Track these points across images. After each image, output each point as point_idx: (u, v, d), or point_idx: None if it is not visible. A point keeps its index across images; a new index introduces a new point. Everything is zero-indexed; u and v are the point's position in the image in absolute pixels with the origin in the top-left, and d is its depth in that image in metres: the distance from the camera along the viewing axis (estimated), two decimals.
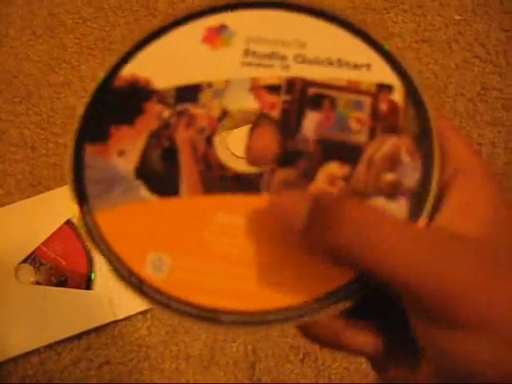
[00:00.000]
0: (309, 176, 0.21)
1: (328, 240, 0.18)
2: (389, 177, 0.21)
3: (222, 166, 0.22)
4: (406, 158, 0.21)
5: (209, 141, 0.22)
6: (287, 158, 0.21)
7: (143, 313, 0.55)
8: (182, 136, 0.22)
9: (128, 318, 0.55)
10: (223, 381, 0.54)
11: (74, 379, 0.53)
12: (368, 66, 0.22)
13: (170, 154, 0.22)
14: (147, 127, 0.22)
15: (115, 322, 0.54)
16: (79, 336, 0.54)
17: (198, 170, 0.22)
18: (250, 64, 0.23)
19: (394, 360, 0.20)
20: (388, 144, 0.21)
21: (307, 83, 0.22)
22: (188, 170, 0.22)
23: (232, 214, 0.21)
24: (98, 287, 0.54)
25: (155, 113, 0.23)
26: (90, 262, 0.55)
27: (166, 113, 0.23)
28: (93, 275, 0.55)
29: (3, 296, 0.54)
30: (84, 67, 0.63)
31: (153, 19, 0.65)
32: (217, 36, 0.23)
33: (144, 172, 0.22)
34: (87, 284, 0.55)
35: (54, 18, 0.65)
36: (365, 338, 0.21)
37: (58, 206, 0.56)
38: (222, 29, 0.23)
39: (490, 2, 0.65)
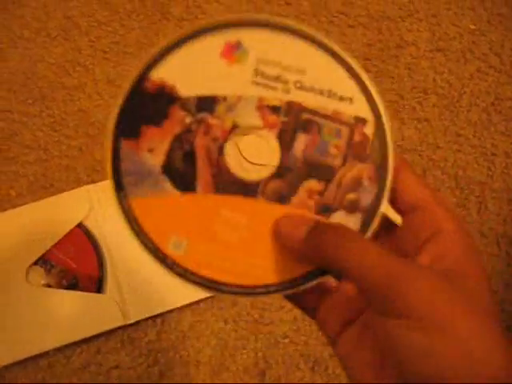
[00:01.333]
0: (293, 188, 0.27)
1: (320, 251, 0.24)
2: (351, 196, 0.26)
3: (229, 172, 0.27)
4: (366, 182, 0.26)
5: (221, 149, 0.27)
6: (279, 171, 0.27)
7: (153, 318, 0.55)
8: (200, 142, 0.27)
9: (138, 323, 0.54)
10: None
11: (83, 383, 0.53)
12: (350, 100, 0.26)
13: (190, 157, 0.27)
14: (172, 130, 0.26)
15: (125, 327, 0.54)
16: (89, 340, 0.54)
17: (210, 173, 0.27)
18: (258, 84, 0.26)
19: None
20: (355, 169, 0.26)
21: (302, 108, 0.27)
22: (203, 173, 0.27)
23: (233, 211, 0.27)
24: (109, 291, 0.54)
25: (179, 118, 0.26)
26: (101, 265, 0.55)
27: (188, 119, 0.26)
28: (104, 279, 0.54)
29: (13, 298, 0.54)
30: (98, 70, 0.63)
31: (167, 23, 0.65)
32: (233, 52, 0.26)
33: (168, 169, 0.26)
34: (98, 287, 0.54)
35: (69, 20, 0.65)
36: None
37: (69, 209, 0.56)
38: (237, 46, 0.26)
39: (505, 12, 0.65)
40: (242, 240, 0.26)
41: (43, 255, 0.55)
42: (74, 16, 0.65)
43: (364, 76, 0.27)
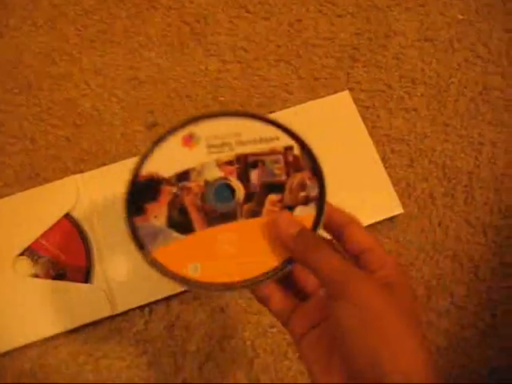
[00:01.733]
0: (260, 204, 0.38)
1: (302, 249, 0.34)
2: (302, 194, 0.38)
3: (212, 210, 0.38)
4: (308, 182, 0.38)
5: (202, 199, 0.39)
6: (247, 197, 0.39)
7: (141, 307, 0.54)
8: (187, 200, 0.39)
9: (126, 313, 0.54)
10: (221, 377, 0.54)
11: (72, 373, 0.53)
12: (277, 138, 0.39)
13: (183, 211, 0.38)
14: (166, 200, 0.39)
15: (113, 317, 0.54)
16: (77, 330, 0.54)
17: (201, 216, 0.38)
18: (212, 152, 0.39)
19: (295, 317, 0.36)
20: (297, 177, 0.38)
21: (247, 155, 0.39)
22: (195, 217, 0.38)
23: (226, 233, 0.38)
24: (96, 281, 0.54)
25: (168, 191, 0.39)
26: (88, 255, 0.55)
27: (174, 189, 0.39)
28: (91, 269, 0.54)
29: (0, 289, 0.53)
30: (85, 59, 0.62)
31: (155, 12, 0.64)
32: (190, 141, 0.39)
33: (171, 224, 0.38)
34: (85, 278, 0.54)
35: (56, 8, 0.64)
36: (280, 299, 0.37)
37: (57, 199, 0.56)
38: (191, 136, 0.40)
39: (493, 2, 0.65)
40: (239, 250, 0.37)
41: (30, 245, 0.55)
42: (60, 4, 0.65)
43: (280, 121, 0.39)
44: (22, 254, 0.55)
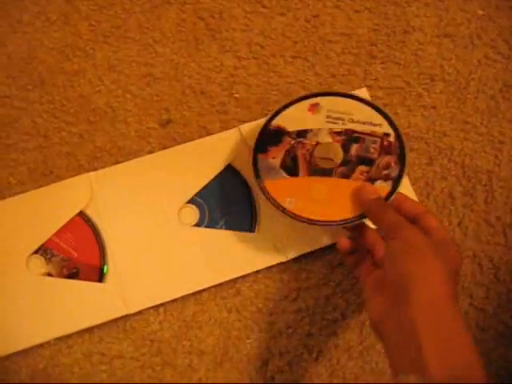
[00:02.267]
0: (351, 171, 0.49)
1: (376, 209, 0.46)
2: (385, 172, 0.49)
3: (316, 164, 0.50)
4: (393, 164, 0.49)
5: (311, 154, 0.50)
6: (343, 163, 0.50)
7: (155, 307, 0.54)
8: (300, 152, 0.50)
9: (140, 312, 0.54)
10: (236, 378, 0.53)
11: (85, 373, 0.53)
12: (380, 125, 0.50)
13: (295, 159, 0.50)
14: (284, 147, 0.51)
15: (127, 316, 0.54)
16: (91, 329, 0.53)
17: (306, 166, 0.50)
18: (328, 122, 0.51)
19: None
20: (385, 159, 0.49)
21: (353, 131, 0.50)
22: (302, 166, 0.50)
23: (319, 184, 0.49)
24: (111, 280, 0.53)
25: (288, 141, 0.51)
26: (102, 254, 0.54)
27: (292, 141, 0.51)
28: (105, 268, 0.54)
29: (14, 287, 0.53)
30: (99, 55, 0.62)
31: (169, 7, 0.63)
32: (314, 109, 0.51)
33: (284, 166, 0.50)
34: (99, 276, 0.54)
35: (69, 4, 0.63)
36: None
37: (70, 197, 0.55)
38: (316, 105, 0.52)
39: None
40: (325, 198, 0.48)
41: (44, 244, 0.54)
42: (73, 0, 0.64)
43: (387, 112, 0.50)
44: (35, 253, 0.54)
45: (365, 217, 0.47)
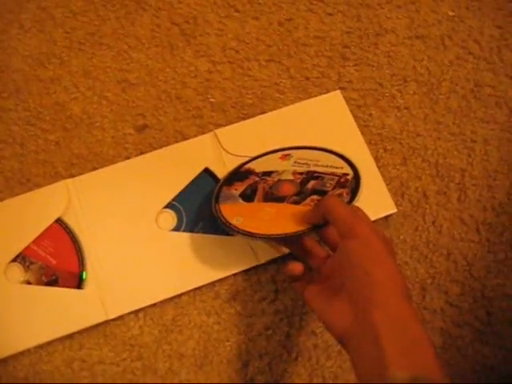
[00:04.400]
0: (303, 199, 0.52)
1: (337, 205, 0.45)
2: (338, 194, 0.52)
3: (272, 193, 0.53)
4: (344, 195, 0.51)
5: (270, 187, 0.54)
6: (298, 194, 0.52)
7: (135, 312, 0.54)
8: (261, 185, 0.54)
9: (120, 318, 0.54)
10: (217, 380, 0.53)
11: (67, 380, 0.53)
12: (342, 168, 0.53)
13: (254, 191, 0.54)
14: (248, 183, 0.54)
15: (107, 322, 0.54)
16: (71, 336, 0.53)
17: (262, 195, 0.53)
18: (294, 166, 0.55)
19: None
20: (339, 190, 0.52)
21: (314, 171, 0.54)
22: (259, 195, 0.53)
23: (270, 208, 0.52)
24: (90, 286, 0.54)
25: (253, 179, 0.55)
26: (81, 260, 0.54)
27: (257, 179, 0.55)
28: (84, 274, 0.54)
29: None
30: (74, 62, 0.62)
31: (144, 13, 0.64)
32: (285, 157, 0.56)
33: (242, 195, 0.53)
34: (78, 283, 0.54)
35: (43, 11, 0.63)
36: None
37: (48, 204, 0.55)
38: (288, 155, 0.56)
39: None
40: (271, 219, 0.50)
41: (22, 252, 0.54)
42: (48, 7, 0.64)
43: (351, 159, 0.54)
44: (13, 261, 0.54)
45: (302, 233, 0.48)
